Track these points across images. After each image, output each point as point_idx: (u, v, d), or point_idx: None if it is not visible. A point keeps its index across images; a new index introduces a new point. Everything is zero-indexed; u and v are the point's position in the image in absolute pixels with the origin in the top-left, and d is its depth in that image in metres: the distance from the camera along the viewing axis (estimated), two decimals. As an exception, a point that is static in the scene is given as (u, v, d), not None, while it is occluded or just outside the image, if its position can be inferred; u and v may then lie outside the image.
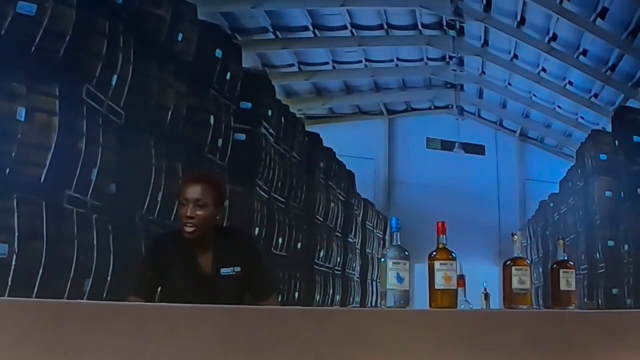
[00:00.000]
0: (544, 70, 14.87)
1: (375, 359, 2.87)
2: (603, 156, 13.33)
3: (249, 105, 10.72)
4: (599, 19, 12.31)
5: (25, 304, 2.70)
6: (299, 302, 11.78)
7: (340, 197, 14.99)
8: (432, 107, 17.78)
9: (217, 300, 3.83)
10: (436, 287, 3.32)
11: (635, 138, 12.39)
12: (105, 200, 7.17)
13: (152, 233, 7.79)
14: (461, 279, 3.90)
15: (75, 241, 6.55)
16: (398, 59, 15.75)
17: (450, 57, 15.18)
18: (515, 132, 18.12)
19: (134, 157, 7.75)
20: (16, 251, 5.88)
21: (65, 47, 6.56)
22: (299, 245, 12.41)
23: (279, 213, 11.54)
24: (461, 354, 3.02)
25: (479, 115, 17.93)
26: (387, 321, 3.04)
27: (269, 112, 11.26)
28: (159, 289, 4.12)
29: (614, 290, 12.32)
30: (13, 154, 6.01)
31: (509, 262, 3.58)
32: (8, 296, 5.49)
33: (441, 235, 3.41)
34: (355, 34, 14.27)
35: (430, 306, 3.32)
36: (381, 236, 17.27)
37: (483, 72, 16.13)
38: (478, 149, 17.40)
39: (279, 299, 9.17)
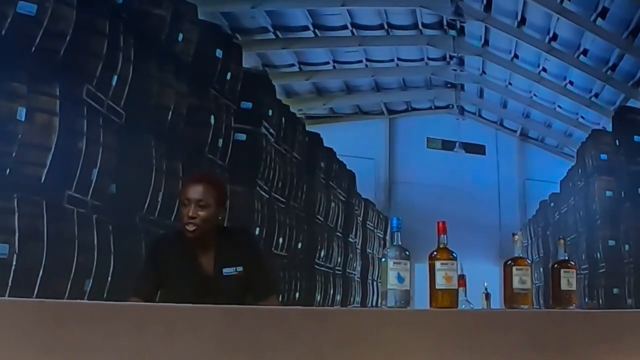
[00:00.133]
0: (544, 70, 14.87)
1: (376, 359, 2.87)
2: (604, 156, 13.33)
3: (249, 105, 10.72)
4: (599, 19, 12.31)
5: (26, 304, 2.70)
6: (299, 302, 11.78)
7: (341, 197, 14.99)
8: (433, 107, 17.79)
9: (219, 301, 3.78)
10: (437, 287, 3.32)
11: (636, 138, 12.39)
12: (106, 201, 7.17)
13: (153, 233, 7.80)
14: (462, 278, 3.90)
15: (76, 241, 6.55)
16: (398, 59, 15.75)
17: (451, 57, 15.19)
18: (515, 132, 18.13)
19: (134, 157, 7.75)
20: (16, 251, 5.88)
21: (65, 47, 6.56)
22: (299, 245, 12.41)
23: (279, 213, 11.54)
24: (462, 354, 3.02)
25: (480, 115, 17.94)
26: (387, 321, 3.04)
27: (270, 112, 11.26)
28: (160, 290, 4.11)
29: (615, 290, 12.32)
30: (13, 154, 6.01)
31: (509, 262, 3.58)
32: (8, 296, 5.49)
33: (442, 235, 3.41)
34: (356, 34, 14.27)
35: (430, 306, 3.32)
36: (382, 236, 17.28)
37: (483, 72, 16.13)
38: (479, 149, 17.41)
39: (280, 299, 9.18)
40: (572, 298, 3.69)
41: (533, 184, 17.68)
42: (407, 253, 3.29)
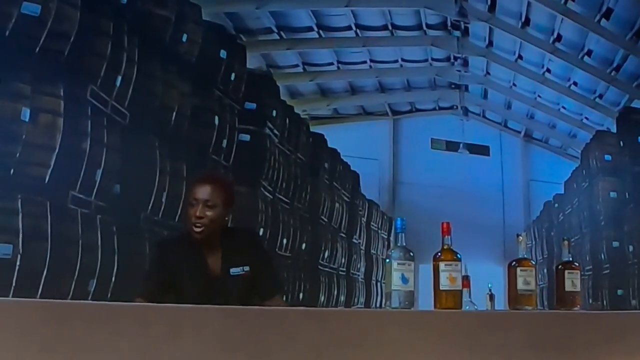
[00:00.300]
0: (548, 71, 14.85)
1: (380, 360, 2.87)
2: (608, 157, 13.32)
3: (253, 105, 10.72)
4: (603, 20, 12.29)
5: (30, 304, 2.70)
6: (303, 303, 11.78)
7: (345, 198, 14.98)
8: (437, 108, 17.76)
9: (227, 300, 3.85)
10: (441, 288, 3.31)
11: (640, 139, 12.39)
12: (110, 201, 7.17)
13: (157, 234, 7.81)
14: (466, 279, 3.91)
15: (80, 242, 6.56)
16: (402, 60, 15.73)
17: (455, 58, 15.16)
18: (519, 132, 18.10)
19: (138, 157, 7.76)
20: (20, 252, 5.88)
21: (69, 47, 6.57)
22: (303, 246, 12.40)
23: (283, 214, 11.53)
24: (466, 354, 3.01)
25: (484, 116, 17.90)
26: (391, 322, 3.03)
27: (274, 113, 11.27)
28: (167, 291, 4.10)
29: (619, 291, 12.30)
30: (17, 154, 6.02)
31: (514, 263, 3.58)
32: (12, 297, 5.50)
33: (446, 236, 3.40)
34: (360, 35, 14.26)
35: (435, 307, 3.31)
36: (386, 237, 17.25)
37: (488, 72, 16.11)
38: (483, 150, 17.38)
39: (284, 300, 9.18)
40: (576, 299, 3.69)
41: (537, 184, 17.65)
42: (411, 254, 3.29)
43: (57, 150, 6.29)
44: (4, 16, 6.05)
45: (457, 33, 14.40)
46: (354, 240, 15.45)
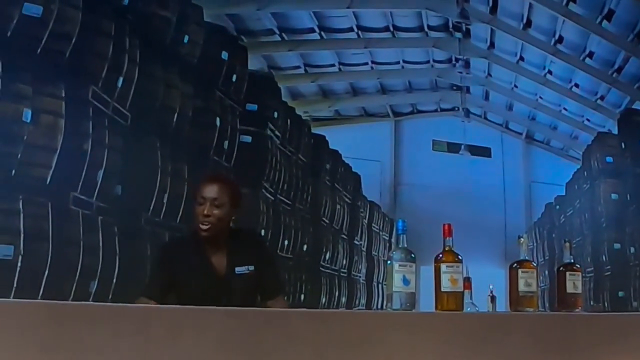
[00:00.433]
0: (550, 72, 14.86)
1: (381, 361, 2.87)
2: (609, 158, 13.32)
3: (255, 107, 10.72)
4: (605, 21, 12.28)
5: (31, 305, 2.70)
6: (304, 304, 11.78)
7: (346, 199, 14.98)
8: (438, 110, 17.78)
9: (232, 299, 3.93)
10: (442, 290, 3.31)
11: (642, 140, 12.39)
12: (111, 202, 7.17)
13: (158, 235, 7.81)
14: (467, 281, 3.91)
15: (81, 243, 6.55)
16: (404, 61, 15.74)
17: (457, 59, 15.17)
18: (521, 134, 18.11)
19: (139, 158, 7.75)
20: (22, 252, 5.87)
21: (71, 48, 6.57)
22: (304, 247, 12.41)
23: (284, 215, 11.54)
24: (467, 356, 3.01)
25: (485, 118, 17.92)
26: (393, 324, 3.03)
27: (275, 114, 11.27)
28: (172, 291, 4.14)
29: (620, 293, 12.30)
30: (19, 155, 6.01)
31: (515, 264, 3.58)
32: (13, 297, 5.50)
33: (447, 238, 3.40)
34: (361, 36, 14.27)
35: (436, 309, 3.31)
36: (387, 238, 17.27)
37: (489, 74, 16.12)
38: (484, 152, 17.40)
39: (286, 300, 9.18)
40: (577, 301, 3.68)
41: (538, 186, 17.65)
42: (413, 255, 3.29)
43: (58, 151, 6.29)
44: (6, 17, 6.04)
45: (459, 35, 14.41)
46: (356, 242, 15.46)
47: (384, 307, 3.43)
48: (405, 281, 3.24)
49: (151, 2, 8.27)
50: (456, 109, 17.18)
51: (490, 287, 5.28)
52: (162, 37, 8.43)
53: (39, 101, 6.17)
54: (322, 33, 13.87)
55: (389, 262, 3.31)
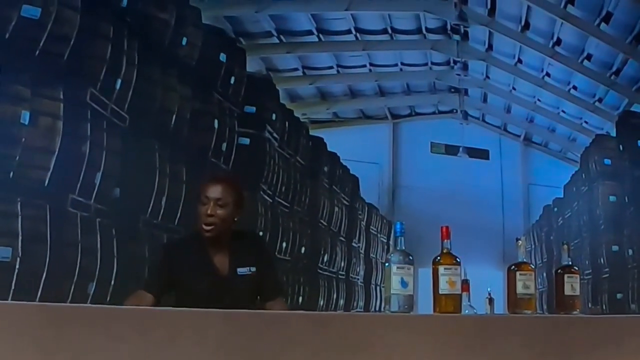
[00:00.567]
0: (548, 74, 14.85)
1: (379, 363, 2.87)
2: (607, 161, 13.33)
3: (253, 109, 10.72)
4: (603, 24, 12.29)
5: (29, 307, 2.70)
6: (302, 307, 11.77)
7: (344, 202, 14.98)
8: (437, 112, 17.76)
9: (234, 299, 3.92)
10: (440, 292, 3.31)
11: (640, 143, 12.40)
12: (109, 204, 7.17)
13: (156, 237, 7.81)
14: (465, 283, 3.91)
15: (79, 245, 6.56)
16: (402, 64, 15.72)
17: (455, 62, 15.14)
18: (519, 136, 18.10)
19: (138, 161, 7.76)
20: (20, 255, 5.88)
21: (69, 50, 6.57)
22: (302, 249, 12.40)
23: (283, 217, 11.53)
24: (465, 359, 3.01)
25: (483, 120, 17.91)
26: (391, 326, 3.04)
27: (273, 117, 11.27)
28: (173, 292, 4.17)
29: (619, 295, 12.31)
30: (17, 157, 6.02)
31: (513, 267, 3.58)
32: (11, 300, 5.51)
33: (445, 240, 3.41)
34: (360, 38, 14.26)
35: (434, 311, 3.31)
36: (385, 241, 17.25)
37: (487, 76, 16.11)
38: (482, 154, 17.38)
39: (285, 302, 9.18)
40: (575, 303, 3.68)
41: (537, 188, 17.64)
42: (411, 258, 3.29)
43: (56, 153, 6.29)
44: (4, 19, 6.05)
45: (457, 37, 14.39)
46: (354, 244, 15.45)
47: (382, 309, 3.43)
48: (404, 283, 3.24)
49: (149, 4, 8.28)
50: (454, 111, 17.16)
51: (489, 289, 5.28)
52: (160, 39, 8.44)
53: (37, 103, 6.17)
54: (321, 35, 13.86)
55: (387, 264, 3.31)
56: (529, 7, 12.79)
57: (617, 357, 3.23)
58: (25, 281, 5.88)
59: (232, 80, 10.00)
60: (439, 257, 3.37)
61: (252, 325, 2.79)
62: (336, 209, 14.33)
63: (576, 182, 15.10)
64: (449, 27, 14.13)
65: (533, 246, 16.99)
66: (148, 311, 2.79)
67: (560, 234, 15.49)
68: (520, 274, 3.54)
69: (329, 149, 14.21)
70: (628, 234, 12.29)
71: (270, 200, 11.05)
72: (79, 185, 6.64)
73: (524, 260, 3.61)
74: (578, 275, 3.75)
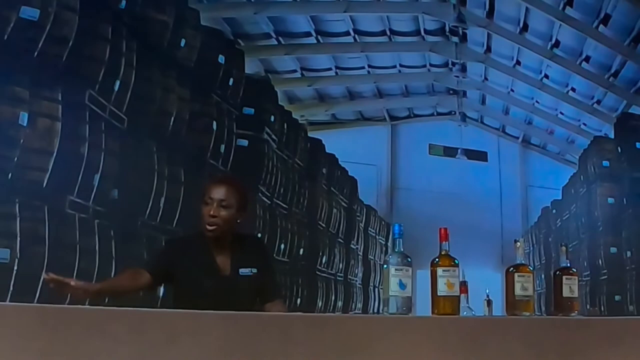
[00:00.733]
0: (546, 76, 14.86)
1: (377, 365, 2.87)
2: (605, 163, 13.33)
3: (251, 111, 10.72)
4: (601, 26, 12.29)
5: (27, 309, 2.70)
6: (301, 309, 11.77)
7: (343, 203, 14.98)
8: (435, 114, 17.77)
9: (236, 299, 3.99)
10: (438, 294, 3.31)
11: (638, 144, 12.42)
12: (108, 206, 7.17)
13: (155, 239, 7.81)
14: (464, 285, 3.90)
15: (77, 246, 6.55)
16: (401, 65, 15.73)
17: (453, 64, 15.16)
18: (517, 138, 18.10)
19: (136, 162, 7.76)
20: (18, 256, 5.88)
21: (68, 52, 6.57)
22: (301, 251, 12.40)
23: (281, 219, 11.53)
24: (463, 360, 3.02)
25: (482, 122, 17.91)
26: (389, 328, 3.03)
27: (272, 118, 11.27)
28: (168, 284, 4.25)
29: (617, 297, 12.31)
30: (15, 158, 6.01)
31: (511, 268, 3.58)
32: (10, 301, 5.50)
33: (444, 242, 3.41)
34: (358, 40, 14.26)
35: (432, 313, 3.31)
36: (383, 242, 17.25)
37: (486, 78, 16.12)
38: (480, 156, 17.38)
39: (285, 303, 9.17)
40: (573, 305, 3.68)
41: (535, 190, 17.65)
42: (409, 259, 3.29)
43: (55, 155, 6.29)
44: (3, 20, 6.05)
45: (456, 39, 14.41)
46: (352, 246, 15.45)
47: (381, 311, 3.43)
48: (402, 285, 3.24)
49: (148, 5, 8.28)
50: (453, 113, 17.17)
51: (487, 291, 5.28)
52: (159, 40, 8.44)
53: (35, 104, 6.17)
54: (319, 37, 13.86)
55: (385, 266, 3.31)
56: (527, 9, 12.80)
57: (615, 358, 3.23)
58: (23, 283, 5.88)
59: (231, 81, 10.01)
60: (437, 259, 3.37)
61: (250, 327, 2.79)
62: (334, 210, 14.33)
63: (574, 184, 15.10)
64: (447, 29, 14.15)
65: (531, 248, 17.01)
66: (145, 313, 2.79)
67: (559, 235, 15.49)
68: (518, 276, 3.54)
69: (327, 150, 14.22)
70: (626, 235, 12.30)
71: (269, 202, 11.05)
72: (77, 187, 6.64)
73: (522, 262, 3.61)
74: (576, 277, 3.74)
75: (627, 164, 12.52)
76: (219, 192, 4.10)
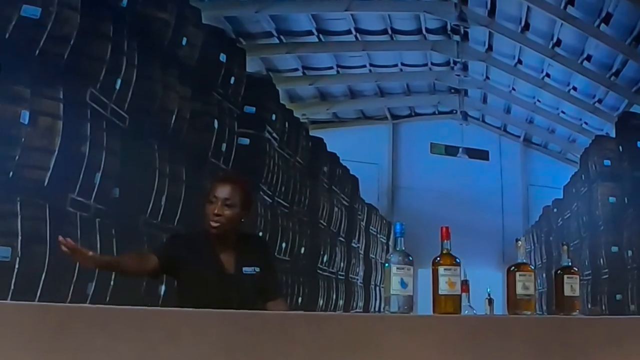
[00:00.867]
0: (548, 75, 14.85)
1: (379, 364, 2.87)
2: (607, 162, 13.33)
3: (253, 109, 10.72)
4: (603, 25, 12.28)
5: (28, 307, 2.70)
6: (302, 307, 11.77)
7: (344, 202, 14.97)
8: (436, 112, 17.74)
9: (240, 297, 4.00)
10: (440, 293, 3.31)
11: (639, 143, 12.39)
12: (109, 204, 7.17)
13: (156, 237, 7.81)
14: (465, 284, 3.90)
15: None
16: (402, 64, 15.71)
17: (455, 62, 15.13)
18: (519, 137, 18.07)
19: (137, 161, 7.76)
20: (19, 255, 5.88)
21: (69, 50, 6.58)
22: (302, 250, 12.40)
23: (282, 218, 11.53)
24: (464, 359, 3.01)
25: (483, 121, 17.89)
26: (390, 327, 3.03)
27: (273, 117, 11.27)
28: (169, 275, 4.31)
29: (618, 296, 12.30)
30: (17, 157, 6.02)
31: (513, 267, 3.58)
32: (11, 300, 5.50)
33: (445, 241, 3.40)
34: (360, 39, 14.25)
35: (433, 312, 3.31)
36: (385, 241, 17.23)
37: (487, 77, 16.10)
38: (482, 155, 17.35)
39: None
40: (575, 304, 3.68)
41: (536, 189, 17.62)
42: (410, 258, 3.29)
43: (56, 153, 6.30)
44: (4, 19, 6.05)
45: (457, 37, 14.38)
46: (353, 245, 15.44)
47: (382, 309, 3.42)
48: (403, 284, 3.24)
49: (149, 4, 8.28)
50: (454, 111, 17.15)
51: (488, 290, 5.28)
52: (160, 39, 8.44)
53: (37, 103, 6.18)
54: (321, 36, 13.85)
55: (386, 264, 3.30)
56: (528, 7, 12.79)
57: (616, 358, 3.23)
58: (24, 281, 5.88)
59: (232, 80, 10.01)
60: (438, 258, 3.37)
61: (252, 325, 2.79)
62: (336, 209, 14.33)
63: (576, 183, 15.09)
64: (449, 27, 14.13)
65: (533, 247, 16.99)
66: (147, 311, 2.78)
67: (560, 234, 15.47)
68: (519, 275, 3.54)
69: (328, 149, 14.20)
70: (627, 235, 12.29)
71: (270, 201, 11.05)
72: (78, 185, 6.64)
73: (524, 261, 3.61)
74: (577, 276, 3.74)
75: (629, 163, 12.51)
76: (223, 191, 4.11)
